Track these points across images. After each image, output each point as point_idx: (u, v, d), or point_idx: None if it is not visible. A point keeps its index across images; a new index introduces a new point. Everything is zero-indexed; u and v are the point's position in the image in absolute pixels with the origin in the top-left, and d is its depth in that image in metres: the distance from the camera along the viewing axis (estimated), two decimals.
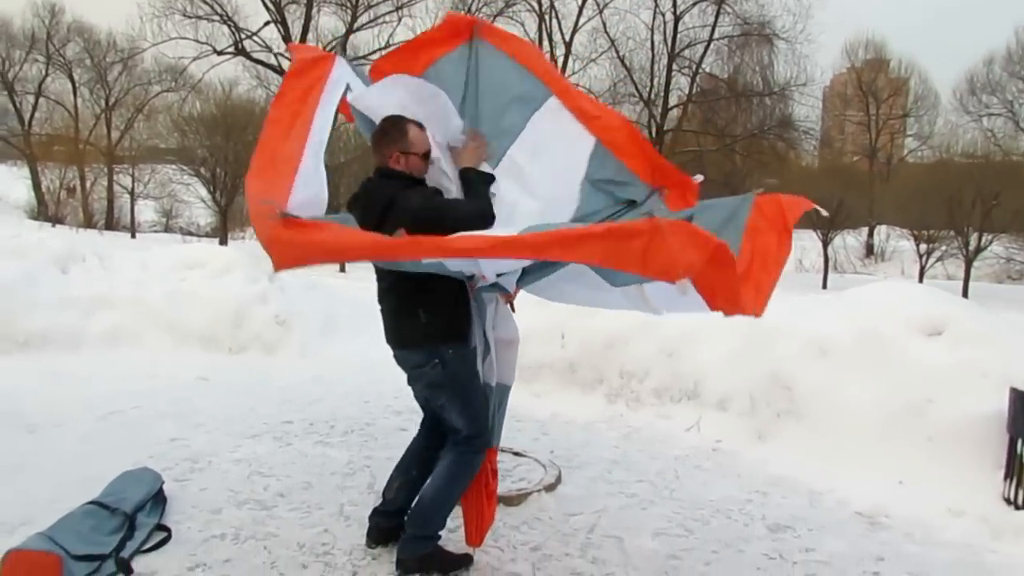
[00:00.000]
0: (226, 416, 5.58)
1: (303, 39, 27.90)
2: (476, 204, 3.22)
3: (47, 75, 38.41)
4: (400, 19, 28.88)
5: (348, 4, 28.52)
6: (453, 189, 3.31)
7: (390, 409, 5.87)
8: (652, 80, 30.14)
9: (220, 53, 28.45)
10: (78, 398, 5.75)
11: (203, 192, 31.57)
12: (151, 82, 36.14)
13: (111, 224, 36.51)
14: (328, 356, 7.68)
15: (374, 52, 29.31)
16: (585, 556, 3.64)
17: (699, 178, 3.78)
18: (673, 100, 30.39)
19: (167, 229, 37.19)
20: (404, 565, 3.34)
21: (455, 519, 3.57)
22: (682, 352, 6.06)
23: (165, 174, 35.33)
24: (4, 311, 7.11)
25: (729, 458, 5.14)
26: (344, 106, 3.35)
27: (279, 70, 26.62)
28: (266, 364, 7.44)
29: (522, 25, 30.44)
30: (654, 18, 29.52)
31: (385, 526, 3.57)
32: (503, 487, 3.59)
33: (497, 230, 2.57)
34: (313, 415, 5.75)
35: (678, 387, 5.99)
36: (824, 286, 27.50)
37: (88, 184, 37.64)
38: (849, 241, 36.66)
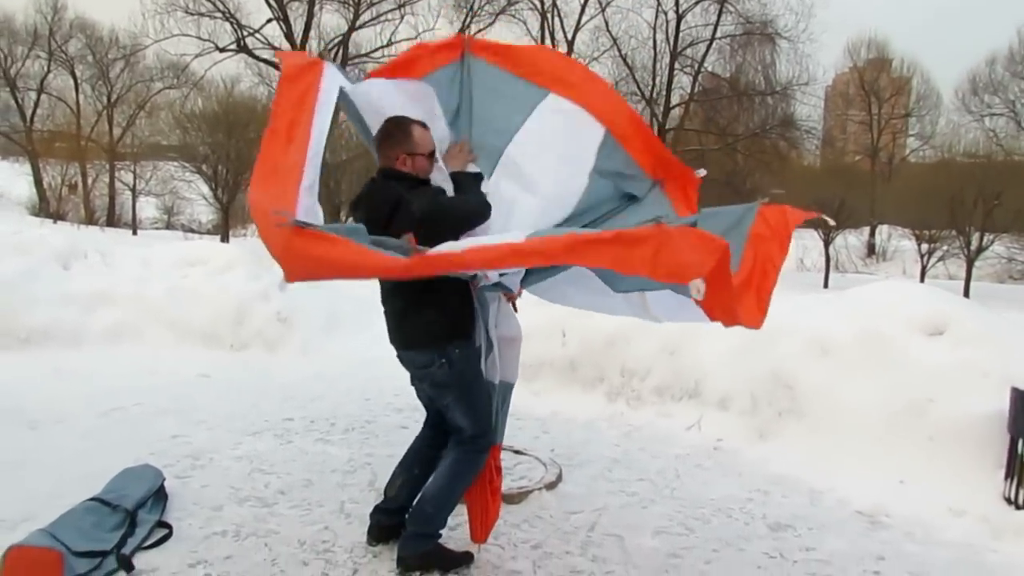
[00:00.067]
0: (227, 413, 5.59)
1: (305, 36, 27.91)
2: (474, 199, 3.24)
3: (49, 71, 38.38)
4: (402, 17, 28.85)
5: (350, 2, 28.50)
6: (448, 188, 3.32)
7: (391, 407, 5.87)
8: (654, 79, 30.12)
9: (222, 50, 28.42)
10: (79, 394, 5.76)
11: (205, 189, 31.52)
12: (153, 79, 36.09)
13: (112, 221, 36.50)
14: (329, 353, 7.68)
15: (376, 50, 29.34)
16: (585, 554, 3.64)
17: (702, 173, 3.79)
18: (675, 99, 30.39)
19: (168, 226, 37.17)
20: (405, 563, 3.34)
21: (457, 517, 3.58)
22: (683, 350, 6.06)
23: (167, 171, 35.28)
24: (6, 307, 7.11)
25: (730, 457, 5.15)
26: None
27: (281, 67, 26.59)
28: (267, 361, 7.44)
29: (524, 23, 30.44)
30: (656, 17, 29.51)
31: (386, 524, 3.58)
32: (503, 485, 3.60)
33: (506, 237, 2.56)
34: (314, 412, 5.75)
35: (679, 385, 5.99)
36: (825, 285, 27.46)
37: (90, 181, 37.62)
38: (851, 240, 36.60)
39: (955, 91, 39.45)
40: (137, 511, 3.59)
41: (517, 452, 4.89)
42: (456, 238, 3.07)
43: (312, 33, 28.48)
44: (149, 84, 36.64)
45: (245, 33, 27.87)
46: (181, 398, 5.90)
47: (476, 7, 29.22)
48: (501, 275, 3.20)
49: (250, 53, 28.24)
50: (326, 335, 8.01)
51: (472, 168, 3.41)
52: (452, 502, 3.41)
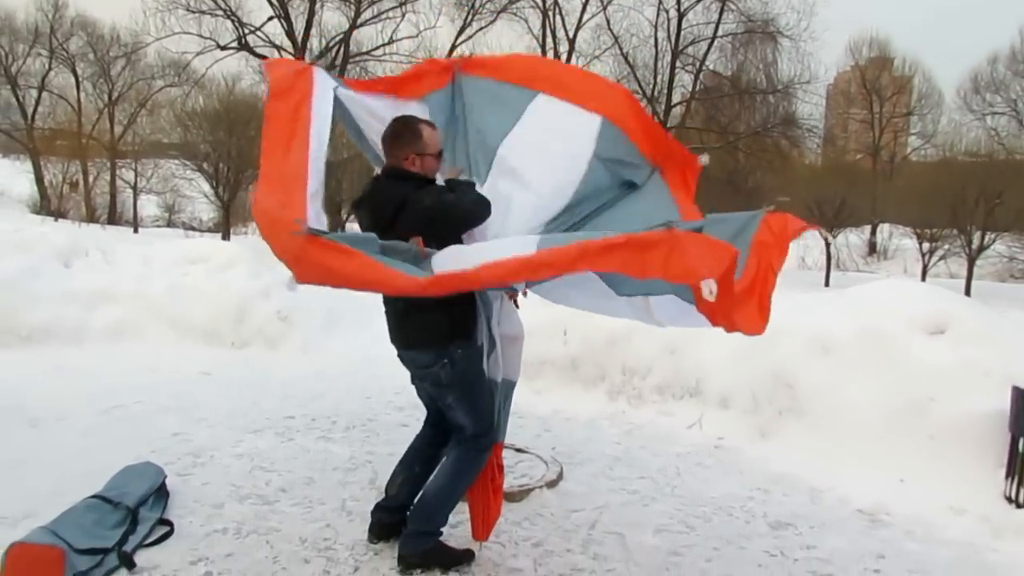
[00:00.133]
0: (228, 411, 5.59)
1: (306, 34, 27.90)
2: (473, 195, 3.24)
3: (50, 69, 38.40)
4: (404, 15, 28.81)
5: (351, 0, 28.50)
6: None
7: (392, 405, 5.87)
8: (655, 77, 30.10)
9: (223, 48, 28.42)
10: (80, 392, 5.76)
11: (206, 187, 31.48)
12: (154, 77, 36.11)
13: (113, 219, 36.51)
14: (330, 352, 7.68)
15: (377, 48, 29.32)
16: (586, 552, 3.65)
17: (705, 158, 3.80)
18: (676, 97, 30.33)
19: (169, 224, 37.16)
20: (406, 561, 3.35)
21: (458, 515, 3.58)
22: (684, 349, 6.06)
23: (168, 169, 35.26)
24: (7, 305, 7.11)
25: (731, 455, 5.15)
26: None
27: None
28: (268, 359, 7.44)
29: (526, 22, 30.41)
30: (658, 15, 29.50)
31: (387, 522, 3.58)
32: (505, 483, 3.60)
33: (516, 249, 2.56)
34: (315, 410, 5.76)
35: (680, 384, 5.99)
36: (827, 284, 27.45)
37: (91, 179, 37.62)
38: (852, 239, 36.60)
39: (957, 90, 39.46)
40: (138, 509, 3.60)
41: (519, 450, 4.90)
42: (459, 238, 3.08)
43: (313, 31, 28.48)
44: (150, 82, 36.65)
45: (246, 31, 27.88)
46: (182, 396, 5.91)
47: (477, 5, 29.20)
48: None
49: (251, 51, 28.23)
50: (327, 333, 8.01)
51: (463, 178, 3.43)
52: (453, 500, 3.42)
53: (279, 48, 27.81)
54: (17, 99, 37.77)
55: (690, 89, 31.03)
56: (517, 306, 3.54)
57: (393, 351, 3.37)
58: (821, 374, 5.32)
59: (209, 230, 34.68)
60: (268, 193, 2.71)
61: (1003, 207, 27.01)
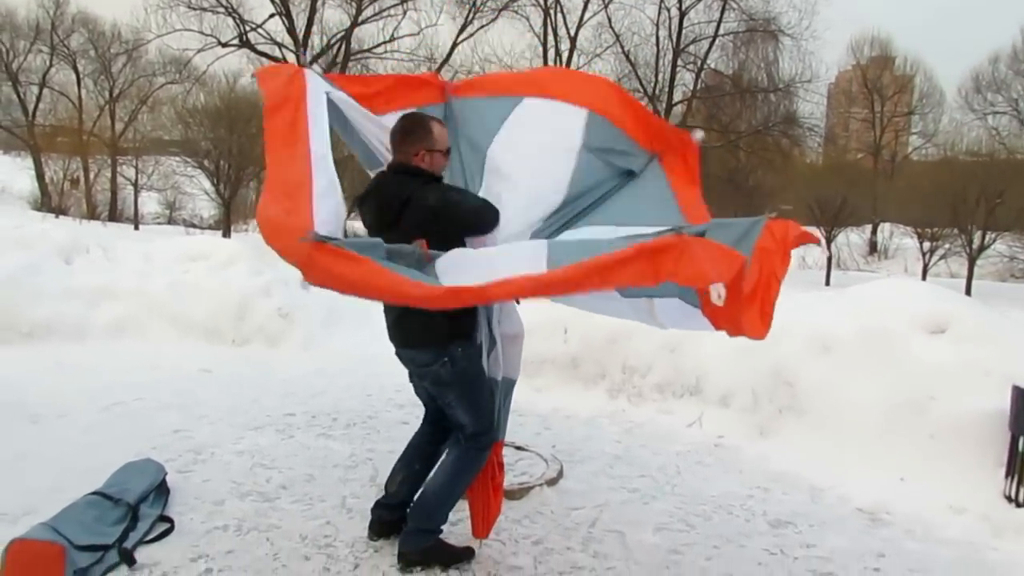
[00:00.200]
0: (229, 408, 5.60)
1: (307, 31, 27.88)
2: (479, 199, 3.24)
3: (51, 66, 38.35)
4: (405, 12, 28.80)
5: None
6: None
7: (392, 402, 5.88)
8: (657, 75, 30.08)
9: (224, 45, 28.40)
10: (82, 389, 5.77)
11: (207, 184, 31.49)
12: (155, 74, 36.06)
13: (114, 216, 36.49)
14: (331, 349, 7.68)
15: (378, 45, 29.30)
16: (586, 550, 3.65)
17: (699, 134, 3.80)
18: (677, 96, 30.30)
19: (170, 221, 37.14)
20: (406, 558, 3.35)
21: (458, 513, 3.58)
22: (684, 347, 6.06)
23: (169, 166, 35.24)
24: (8, 301, 7.11)
25: (731, 454, 5.15)
26: None
27: (284, 63, 26.57)
28: (269, 356, 7.44)
29: (527, 20, 30.36)
30: (659, 13, 29.48)
31: (387, 519, 3.58)
32: (505, 481, 3.60)
33: (527, 266, 2.56)
34: (315, 408, 5.76)
35: (680, 382, 6.00)
36: (827, 283, 27.47)
37: (92, 175, 37.60)
38: (852, 238, 36.59)
39: (958, 89, 39.41)
40: (139, 505, 3.60)
41: (519, 448, 4.90)
42: (463, 241, 3.07)
43: (314, 28, 28.47)
44: (151, 79, 36.59)
45: (247, 28, 27.86)
46: (183, 393, 5.91)
47: (479, 3, 29.17)
48: None
49: (252, 48, 28.21)
50: (327, 331, 8.01)
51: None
52: (453, 499, 3.42)
53: (280, 45, 27.83)
54: (18, 96, 37.75)
55: (691, 88, 31.03)
56: (518, 302, 3.54)
57: (392, 348, 3.37)
58: (821, 373, 5.32)
59: (210, 227, 34.67)
60: (272, 202, 2.71)
61: (1004, 207, 27.02)
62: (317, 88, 3.18)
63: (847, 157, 44.63)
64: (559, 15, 30.32)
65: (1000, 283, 31.19)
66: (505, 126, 3.66)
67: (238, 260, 8.50)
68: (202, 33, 28.03)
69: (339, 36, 28.76)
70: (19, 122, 38.02)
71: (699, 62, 30.27)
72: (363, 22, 28.73)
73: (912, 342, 5.21)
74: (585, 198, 3.53)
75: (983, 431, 4.52)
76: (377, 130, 3.53)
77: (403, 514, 3.50)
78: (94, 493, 3.60)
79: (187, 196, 36.45)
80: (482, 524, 3.43)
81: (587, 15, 29.97)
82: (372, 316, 3.00)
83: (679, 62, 29.76)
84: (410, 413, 5.37)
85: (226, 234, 27.04)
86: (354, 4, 28.27)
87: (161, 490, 3.88)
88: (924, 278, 27.24)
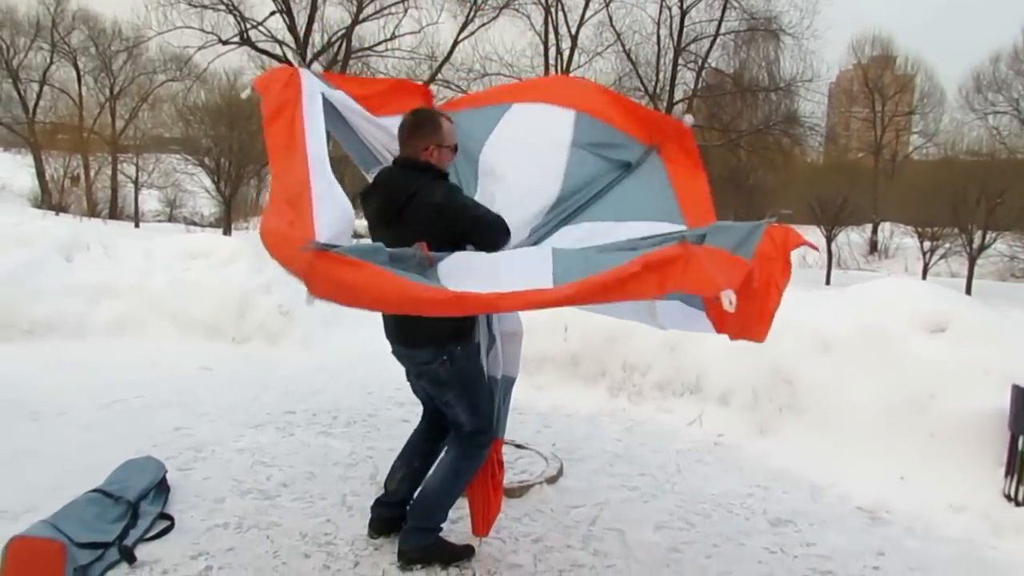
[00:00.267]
0: (229, 406, 5.60)
1: (308, 29, 27.84)
2: (495, 214, 3.18)
3: (52, 63, 38.35)
4: (406, 10, 28.74)
5: None
6: None
7: (392, 400, 5.88)
8: (658, 74, 30.03)
9: (225, 43, 28.32)
10: (82, 386, 5.77)
11: (207, 182, 31.53)
12: (156, 71, 35.99)
13: (115, 213, 36.51)
14: (331, 347, 7.68)
15: (379, 43, 29.27)
16: (587, 548, 3.65)
17: (689, 119, 3.84)
18: (678, 95, 30.23)
19: (171, 219, 37.19)
20: (406, 556, 3.35)
21: (458, 510, 3.59)
22: (684, 346, 6.06)
23: (169, 164, 35.27)
24: (8, 299, 7.12)
25: (731, 452, 5.15)
26: None
27: (284, 60, 26.54)
28: (269, 354, 7.44)
29: (528, 18, 30.30)
30: (660, 12, 29.43)
31: (387, 517, 3.58)
32: (505, 479, 3.61)
33: (534, 280, 2.55)
34: (316, 405, 5.76)
35: (680, 381, 6.00)
36: (827, 282, 27.48)
37: (92, 173, 37.63)
38: (853, 237, 36.63)
39: (959, 89, 39.43)
40: (139, 503, 3.61)
41: (519, 446, 4.90)
42: (463, 244, 3.06)
43: (315, 26, 28.43)
44: (152, 76, 36.55)
45: (248, 26, 27.80)
46: (183, 391, 5.91)
47: (479, 1, 29.13)
48: None
49: (253, 46, 28.17)
50: (327, 328, 8.01)
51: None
52: (453, 497, 3.42)
53: (281, 43, 27.79)
54: (18, 93, 37.75)
55: (692, 87, 30.98)
56: None
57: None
58: (821, 371, 5.32)
59: (210, 225, 34.72)
60: (274, 214, 2.71)
61: (1004, 206, 27.06)
62: (312, 89, 3.18)
63: (848, 156, 44.66)
64: (560, 13, 30.27)
65: (1000, 282, 31.22)
66: (495, 131, 3.70)
67: (239, 258, 8.51)
68: (203, 31, 27.97)
69: (340, 34, 28.72)
70: (19, 119, 38.02)
71: (700, 61, 30.23)
72: (364, 20, 28.69)
73: (912, 341, 5.21)
74: (582, 193, 3.54)
75: (983, 430, 4.52)
76: (375, 130, 3.53)
77: (403, 512, 3.51)
78: (94, 491, 3.60)
79: (188, 194, 36.50)
80: (482, 522, 3.43)
81: (588, 13, 29.93)
82: (373, 314, 3.00)
83: (680, 61, 29.72)
84: (410, 411, 5.36)
85: (227, 232, 27.05)
86: (355, 2, 28.24)
87: (161, 488, 3.88)
88: (924, 277, 27.26)
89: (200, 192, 34.38)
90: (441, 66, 28.47)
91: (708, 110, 31.24)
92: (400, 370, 3.50)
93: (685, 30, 29.43)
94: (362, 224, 3.38)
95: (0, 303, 7.05)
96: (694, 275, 2.30)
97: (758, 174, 32.43)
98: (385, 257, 2.50)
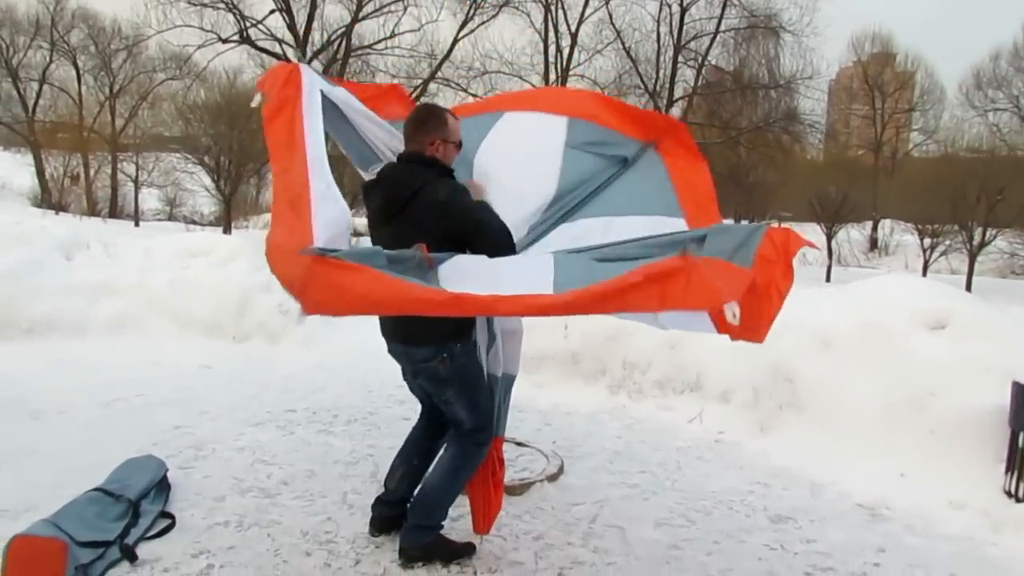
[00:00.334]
0: (229, 404, 5.60)
1: (308, 28, 27.79)
2: (500, 223, 3.16)
3: (51, 62, 38.29)
4: (405, 8, 28.63)
5: None
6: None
7: (393, 398, 5.88)
8: (658, 72, 29.96)
9: (225, 41, 28.24)
10: (82, 385, 5.78)
11: (207, 181, 31.49)
12: (155, 70, 35.86)
13: (115, 212, 36.49)
14: (331, 345, 7.68)
15: (379, 41, 29.22)
16: (587, 545, 3.65)
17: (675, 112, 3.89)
18: (678, 92, 30.17)
19: (171, 217, 37.17)
20: (407, 554, 3.35)
21: (459, 508, 3.59)
22: (684, 344, 6.06)
23: (169, 162, 35.25)
24: (8, 298, 7.12)
25: (731, 449, 5.16)
26: None
27: (284, 59, 26.51)
28: (269, 353, 7.45)
29: (528, 16, 30.21)
30: (660, 9, 29.34)
31: (388, 515, 3.58)
32: (505, 477, 3.61)
33: (533, 285, 2.55)
34: (316, 404, 5.76)
35: (680, 379, 6.00)
36: (827, 279, 27.47)
37: (92, 172, 37.61)
38: (853, 235, 36.62)
39: (959, 86, 39.41)
40: (140, 501, 3.61)
41: (519, 444, 4.90)
42: (463, 247, 3.05)
43: (315, 25, 28.38)
44: (151, 75, 36.43)
45: (248, 24, 27.74)
46: (183, 389, 5.92)
47: None
48: None
49: (253, 44, 28.10)
50: (327, 327, 8.00)
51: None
52: (452, 495, 3.42)
53: (281, 41, 27.72)
54: (18, 92, 37.71)
55: (692, 84, 30.92)
56: None
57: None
58: (821, 369, 5.32)
59: (210, 223, 34.72)
60: (279, 222, 2.70)
61: (1004, 203, 27.06)
62: (313, 86, 3.18)
63: (848, 154, 44.69)
64: (560, 11, 30.18)
65: (1001, 279, 31.22)
66: (487, 137, 3.72)
67: (239, 256, 8.51)
68: (202, 29, 27.87)
69: (340, 32, 28.64)
70: (19, 118, 37.98)
71: (700, 58, 30.17)
72: (363, 18, 28.61)
73: (912, 338, 5.21)
74: (580, 190, 3.55)
75: (983, 427, 4.52)
76: (375, 127, 3.53)
77: (403, 510, 3.51)
78: (95, 489, 3.60)
79: (187, 192, 36.48)
80: (483, 520, 3.43)
81: (588, 11, 29.82)
82: None
83: (680, 58, 29.65)
84: (411, 409, 5.34)
85: (226, 230, 27.05)
86: (354, 0, 28.21)
87: (162, 486, 3.88)
88: (924, 274, 27.26)
89: (200, 191, 34.34)
90: (441, 64, 28.40)
91: (708, 107, 31.20)
92: (400, 368, 3.50)
93: (685, 27, 29.38)
94: (362, 223, 3.38)
95: (0, 302, 7.05)
96: (696, 291, 2.27)
97: (758, 171, 32.40)
98: (383, 260, 2.49)
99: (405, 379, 3.53)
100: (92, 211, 35.15)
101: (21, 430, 4.80)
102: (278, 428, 5.16)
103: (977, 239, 28.17)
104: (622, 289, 2.35)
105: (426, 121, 3.23)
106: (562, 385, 6.39)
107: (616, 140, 3.72)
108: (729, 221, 3.50)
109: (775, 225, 2.67)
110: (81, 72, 38.80)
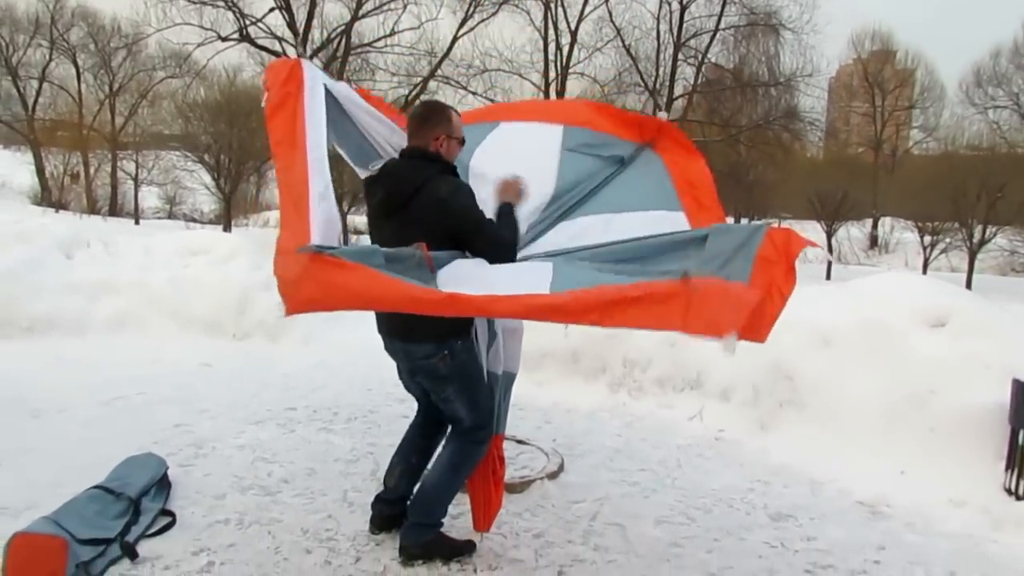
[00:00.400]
0: (230, 402, 5.60)
1: (308, 26, 27.78)
2: (507, 233, 3.16)
3: (51, 60, 38.30)
4: (405, 6, 28.62)
5: None
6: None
7: (393, 396, 5.87)
8: (657, 70, 29.95)
9: (224, 39, 28.24)
10: (82, 383, 5.77)
11: (207, 179, 31.54)
12: (155, 68, 35.92)
13: (114, 210, 36.52)
14: (331, 343, 7.68)
15: (379, 39, 29.21)
16: (587, 543, 3.65)
17: (663, 115, 3.97)
18: (678, 90, 30.18)
19: (171, 216, 37.20)
20: (407, 551, 3.35)
21: (460, 506, 3.59)
22: (685, 342, 6.05)
23: (169, 160, 35.26)
24: (8, 296, 7.12)
25: (731, 447, 5.16)
26: None
27: (284, 57, 26.44)
28: (270, 351, 7.45)
29: (527, 13, 30.21)
30: (660, 7, 29.32)
31: (388, 513, 3.59)
32: (506, 475, 3.61)
33: (530, 286, 2.55)
34: (316, 402, 5.77)
35: (681, 376, 6.00)
36: (828, 277, 27.47)
37: (92, 170, 37.65)
38: (853, 232, 36.62)
39: (959, 83, 39.46)
40: (140, 499, 3.61)
41: (519, 442, 4.91)
42: (463, 246, 3.05)
43: (314, 22, 28.37)
44: (151, 73, 36.50)
45: (247, 22, 27.73)
46: (184, 387, 5.91)
47: None
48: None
49: (252, 42, 28.10)
50: (328, 325, 8.00)
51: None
52: (452, 493, 3.42)
53: (280, 39, 27.71)
54: (18, 90, 37.72)
55: (692, 82, 30.92)
56: None
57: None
58: (822, 366, 5.32)
59: (210, 222, 34.75)
60: (285, 225, 2.71)
61: (1004, 201, 27.07)
62: (315, 81, 3.17)
63: (848, 151, 44.71)
64: (559, 9, 30.17)
65: (1001, 277, 31.24)
66: (483, 144, 3.75)
67: (239, 254, 8.51)
68: (202, 27, 27.87)
69: (339, 30, 28.64)
70: (19, 116, 38.02)
71: (700, 56, 30.15)
72: (363, 16, 28.61)
73: (912, 336, 5.21)
74: (578, 189, 3.56)
75: (983, 424, 4.52)
76: (376, 123, 3.53)
77: (403, 508, 3.50)
78: (96, 487, 3.60)
79: (187, 191, 36.51)
80: (483, 518, 3.43)
81: (588, 9, 29.82)
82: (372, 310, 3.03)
83: (680, 56, 29.64)
84: (411, 407, 5.30)
85: (226, 228, 27.08)
86: None
87: (162, 484, 3.88)
88: (925, 272, 27.26)
89: (200, 189, 34.37)
90: (441, 62, 28.41)
91: (708, 105, 31.20)
92: None
93: (685, 25, 29.37)
94: (363, 221, 3.39)
95: (0, 300, 7.05)
96: (696, 317, 2.25)
97: (758, 169, 32.40)
98: (381, 259, 2.49)
99: (401, 377, 3.52)
100: (92, 209, 35.19)
101: (21, 428, 4.80)
102: (278, 426, 5.16)
103: (977, 237, 28.20)
104: (620, 300, 2.35)
105: (430, 117, 3.24)
106: (562, 383, 6.39)
107: (612, 142, 3.74)
108: (729, 220, 3.51)
109: (776, 225, 2.67)
110: (81, 70, 38.83)
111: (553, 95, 29.21)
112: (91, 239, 8.45)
